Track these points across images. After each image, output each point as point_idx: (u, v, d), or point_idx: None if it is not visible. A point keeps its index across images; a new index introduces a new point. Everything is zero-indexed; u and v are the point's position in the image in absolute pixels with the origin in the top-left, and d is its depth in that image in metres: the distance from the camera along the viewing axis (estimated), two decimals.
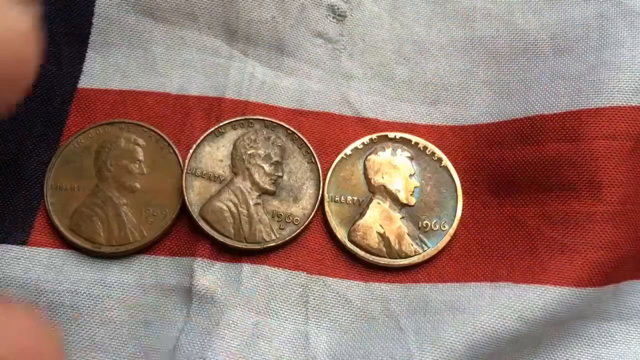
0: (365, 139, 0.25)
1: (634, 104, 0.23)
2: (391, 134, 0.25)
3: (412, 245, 0.24)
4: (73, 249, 0.23)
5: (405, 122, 0.26)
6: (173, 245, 0.24)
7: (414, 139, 0.25)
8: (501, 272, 0.23)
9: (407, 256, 0.24)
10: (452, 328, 0.22)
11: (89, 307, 0.23)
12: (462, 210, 0.25)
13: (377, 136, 0.25)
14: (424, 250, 0.24)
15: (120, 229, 0.23)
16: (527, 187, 0.24)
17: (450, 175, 0.25)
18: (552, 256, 0.23)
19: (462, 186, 0.25)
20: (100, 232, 0.23)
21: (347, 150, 0.25)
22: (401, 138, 0.25)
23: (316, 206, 0.24)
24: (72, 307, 0.23)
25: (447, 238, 0.24)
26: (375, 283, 0.24)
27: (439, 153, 0.25)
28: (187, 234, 0.24)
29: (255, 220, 0.24)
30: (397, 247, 0.24)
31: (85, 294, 0.23)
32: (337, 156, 0.25)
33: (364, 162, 0.25)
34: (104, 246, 0.23)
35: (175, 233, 0.24)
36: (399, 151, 0.25)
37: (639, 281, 0.24)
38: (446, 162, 0.25)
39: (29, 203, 0.24)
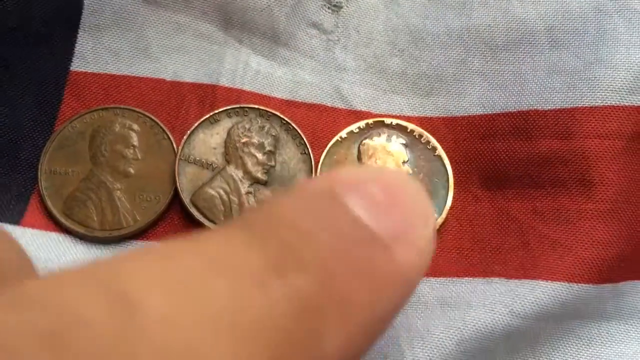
0: (362, 124, 0.25)
1: (627, 104, 0.23)
2: (387, 120, 0.25)
3: None
4: (66, 232, 0.23)
5: (398, 114, 0.26)
6: (166, 231, 0.24)
7: (410, 126, 0.25)
8: (494, 266, 0.23)
9: None
10: (442, 323, 0.22)
11: None
12: (453, 200, 0.25)
13: (373, 121, 0.25)
14: None
15: (114, 214, 0.24)
16: (519, 182, 0.24)
17: (444, 165, 0.25)
18: (544, 252, 0.23)
19: (454, 178, 0.25)
20: (93, 217, 0.23)
21: (343, 134, 0.25)
22: (397, 125, 0.25)
23: None
24: None
25: (435, 226, 0.24)
26: None
27: (433, 142, 0.25)
28: (179, 220, 0.24)
29: (246, 209, 0.24)
30: None
31: None
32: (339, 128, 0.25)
33: (359, 147, 0.25)
34: (97, 230, 0.23)
35: (169, 219, 0.24)
36: (394, 137, 0.25)
37: (638, 282, 0.24)
38: (440, 151, 0.25)
39: (23, 186, 0.24)
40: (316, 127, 0.26)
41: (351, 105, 0.26)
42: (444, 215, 0.24)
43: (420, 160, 0.25)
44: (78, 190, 0.24)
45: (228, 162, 0.24)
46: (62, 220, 0.23)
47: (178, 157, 0.24)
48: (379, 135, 0.25)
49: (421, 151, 0.25)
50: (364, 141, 0.25)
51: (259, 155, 0.24)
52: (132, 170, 0.24)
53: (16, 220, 0.23)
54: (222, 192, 0.24)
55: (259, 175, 0.24)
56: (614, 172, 0.23)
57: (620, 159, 0.23)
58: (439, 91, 0.26)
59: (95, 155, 0.24)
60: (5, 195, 0.24)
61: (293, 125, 0.25)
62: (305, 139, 0.25)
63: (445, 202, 0.24)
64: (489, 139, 0.25)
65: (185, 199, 0.24)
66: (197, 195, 0.24)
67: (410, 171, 0.25)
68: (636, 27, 0.24)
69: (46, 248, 0.23)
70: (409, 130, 0.25)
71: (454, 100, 0.26)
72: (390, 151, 0.25)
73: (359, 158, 0.25)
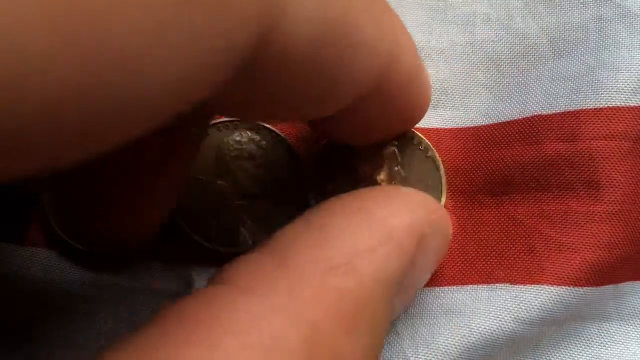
0: None
1: (632, 104, 0.23)
2: None
3: None
4: (68, 249, 0.24)
5: None
6: (168, 250, 0.24)
7: None
8: (498, 273, 0.23)
9: None
10: (447, 331, 0.22)
11: (81, 309, 0.23)
12: (459, 208, 0.24)
13: None
14: None
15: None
16: (525, 186, 0.24)
17: (436, 167, 0.24)
18: (550, 255, 0.23)
19: (460, 187, 0.25)
20: (95, 233, 0.24)
21: None
22: None
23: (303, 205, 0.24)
24: (64, 309, 0.23)
25: None
26: None
27: (425, 143, 0.25)
28: (181, 237, 0.24)
29: (237, 223, 0.24)
30: None
31: (78, 296, 0.23)
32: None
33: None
34: (98, 247, 0.24)
35: (171, 236, 0.24)
36: None
37: (638, 282, 0.24)
38: (433, 153, 0.25)
39: (26, 202, 0.24)
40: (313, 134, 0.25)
41: None
42: None
43: (412, 162, 0.25)
44: (81, 207, 0.24)
45: (219, 176, 0.24)
46: (64, 236, 0.24)
47: None
48: None
49: (412, 152, 0.25)
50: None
51: (250, 169, 0.24)
52: None
53: (20, 239, 0.24)
54: (213, 207, 0.24)
55: (251, 189, 0.24)
56: (621, 173, 0.23)
57: (627, 159, 0.23)
58: (444, 104, 0.26)
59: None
60: (9, 214, 0.24)
61: (283, 136, 0.25)
62: (297, 152, 0.25)
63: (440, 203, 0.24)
64: (495, 146, 0.25)
65: (177, 215, 0.24)
66: (187, 211, 0.24)
67: (402, 173, 0.24)
68: (637, 30, 0.24)
69: (50, 269, 0.24)
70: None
71: (459, 113, 0.26)
72: (382, 154, 0.24)
73: None
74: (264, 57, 0.12)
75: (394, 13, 0.19)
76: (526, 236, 0.23)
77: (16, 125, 0.09)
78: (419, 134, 0.25)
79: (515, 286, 0.22)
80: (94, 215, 0.20)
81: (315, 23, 0.13)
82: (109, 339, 0.23)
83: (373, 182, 0.24)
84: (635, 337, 0.23)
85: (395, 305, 0.17)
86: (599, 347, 0.23)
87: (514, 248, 0.23)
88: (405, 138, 0.25)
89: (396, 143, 0.25)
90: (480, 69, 0.26)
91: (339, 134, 0.22)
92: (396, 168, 0.24)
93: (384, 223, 0.16)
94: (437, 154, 0.25)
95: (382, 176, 0.24)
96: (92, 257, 0.24)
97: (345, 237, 0.15)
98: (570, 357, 0.23)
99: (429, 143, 0.25)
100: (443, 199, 0.24)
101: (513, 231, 0.24)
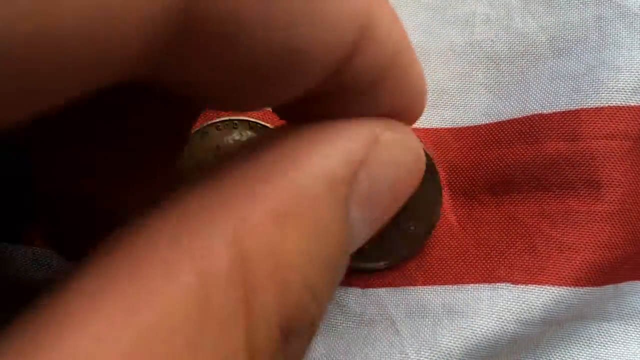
0: None
1: (632, 104, 0.23)
2: None
3: (388, 247, 0.24)
4: (72, 251, 0.24)
5: None
6: None
7: None
8: (500, 272, 0.23)
9: (379, 260, 0.24)
10: (450, 332, 0.22)
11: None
12: (459, 207, 0.25)
13: None
14: (400, 254, 0.24)
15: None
16: (526, 186, 0.24)
17: (435, 180, 0.25)
18: (551, 255, 0.23)
19: (460, 186, 0.25)
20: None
21: None
22: None
23: None
24: None
25: (424, 243, 0.24)
26: (373, 289, 0.24)
27: (429, 162, 0.25)
28: None
29: None
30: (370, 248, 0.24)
31: None
32: None
33: None
34: None
35: None
36: None
37: (638, 282, 0.24)
38: (430, 160, 0.25)
39: (25, 202, 0.24)
40: None
41: None
42: (432, 231, 0.24)
43: None
44: None
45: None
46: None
47: None
48: None
49: None
50: None
51: None
52: None
53: (19, 239, 0.24)
54: None
55: None
56: (622, 173, 0.23)
57: (627, 159, 0.23)
58: (444, 104, 0.26)
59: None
60: (8, 214, 0.24)
61: None
62: None
63: (436, 218, 0.24)
64: (495, 145, 0.25)
65: None
66: None
67: None
68: (637, 29, 0.24)
69: (48, 268, 0.24)
70: None
71: (459, 112, 0.26)
72: None
73: None
74: (196, 21, 0.11)
75: None
76: (527, 236, 0.23)
77: None
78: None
79: (517, 286, 0.22)
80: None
81: None
82: None
83: None
84: (636, 337, 0.23)
85: (354, 217, 0.15)
86: (599, 347, 0.23)
87: (514, 247, 0.23)
88: None
89: None
90: (479, 69, 0.26)
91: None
92: None
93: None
94: (439, 174, 0.25)
95: None
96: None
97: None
98: (571, 357, 0.23)
99: (426, 151, 0.25)
100: (439, 213, 0.24)
101: (514, 230, 0.24)
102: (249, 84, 0.13)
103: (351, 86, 0.15)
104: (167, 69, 0.12)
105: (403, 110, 0.17)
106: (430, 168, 0.24)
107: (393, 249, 0.24)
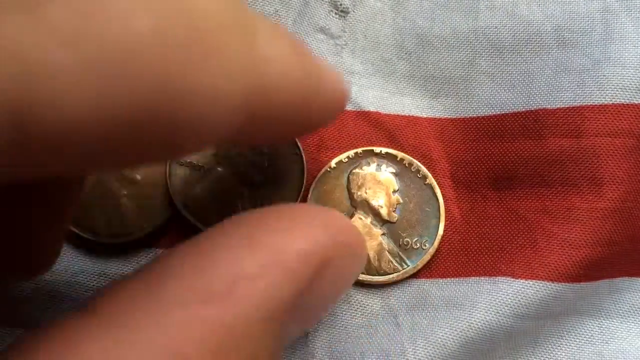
0: (351, 153, 0.25)
1: (636, 102, 0.23)
2: (377, 149, 0.25)
3: (392, 262, 0.24)
4: (73, 240, 0.24)
5: (407, 114, 0.26)
6: (172, 237, 0.24)
7: (400, 154, 0.25)
8: (500, 266, 0.23)
9: (385, 273, 0.24)
10: (446, 324, 0.22)
11: (87, 299, 0.23)
12: (461, 201, 0.25)
13: (363, 150, 0.25)
14: (403, 269, 0.24)
15: (120, 221, 0.24)
16: (528, 182, 0.24)
17: (434, 194, 0.25)
18: (552, 251, 0.23)
19: (463, 179, 0.25)
20: (100, 223, 0.24)
21: (332, 163, 0.25)
22: (387, 153, 0.25)
23: (299, 199, 0.24)
24: (70, 298, 0.23)
25: (427, 257, 0.24)
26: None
27: (424, 171, 0.25)
28: (185, 224, 0.24)
29: (238, 209, 0.24)
30: (376, 263, 0.24)
31: (84, 285, 0.24)
32: (336, 151, 0.25)
33: (348, 176, 0.25)
34: (104, 237, 0.24)
35: (175, 224, 0.24)
36: (383, 167, 0.25)
37: (637, 278, 0.24)
38: (430, 179, 0.25)
39: None
40: (323, 130, 0.25)
41: (360, 107, 0.26)
42: (435, 244, 0.24)
43: (410, 189, 0.25)
44: (85, 197, 0.24)
45: (219, 162, 0.24)
46: (71, 227, 0.23)
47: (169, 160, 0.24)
48: (369, 164, 0.25)
49: (411, 180, 0.25)
50: (353, 170, 0.25)
51: (250, 156, 0.24)
52: (138, 177, 0.24)
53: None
54: (214, 193, 0.24)
55: (251, 175, 0.24)
56: (624, 171, 0.23)
57: (630, 157, 0.23)
58: (447, 93, 0.26)
59: None
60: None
61: None
62: (297, 140, 0.25)
63: (437, 231, 0.24)
64: (498, 139, 0.25)
65: (178, 202, 0.24)
66: (188, 198, 0.24)
67: (401, 200, 0.25)
68: None
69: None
70: (398, 159, 0.25)
71: (462, 102, 0.26)
72: (380, 180, 0.25)
73: (349, 188, 0.25)
74: (35, 142, 0.10)
75: (253, 31, 0.13)
76: (528, 231, 0.23)
77: None
78: (418, 162, 0.25)
79: (517, 280, 0.23)
80: None
81: (95, 102, 0.10)
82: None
83: (371, 208, 0.24)
84: (637, 333, 0.24)
85: (292, 330, 0.16)
86: (602, 343, 0.23)
87: (516, 242, 0.24)
88: (403, 165, 0.25)
89: (394, 170, 0.25)
90: (483, 57, 0.26)
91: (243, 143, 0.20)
92: (395, 195, 0.25)
93: (270, 248, 0.15)
94: (435, 182, 0.25)
95: (379, 202, 0.24)
96: (98, 247, 0.24)
97: (225, 264, 0.14)
98: (572, 354, 0.23)
99: (427, 171, 0.25)
100: (441, 226, 0.24)
101: (515, 226, 0.24)
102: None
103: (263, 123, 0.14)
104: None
105: (324, 118, 0.17)
106: (435, 195, 0.25)
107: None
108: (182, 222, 0.24)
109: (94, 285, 0.24)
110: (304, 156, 0.25)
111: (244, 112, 0.13)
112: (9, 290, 0.23)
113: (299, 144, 0.25)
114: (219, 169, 0.24)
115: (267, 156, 0.25)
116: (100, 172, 0.20)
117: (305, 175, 0.25)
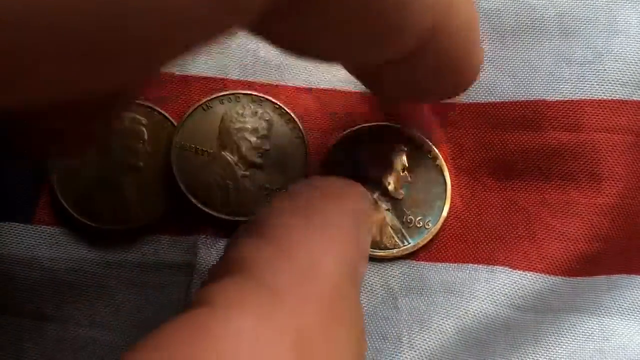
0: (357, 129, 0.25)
1: (636, 99, 0.23)
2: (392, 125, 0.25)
3: (394, 237, 0.24)
4: (77, 227, 0.24)
5: None
6: (175, 223, 0.24)
7: (411, 132, 0.25)
8: (499, 255, 0.23)
9: (386, 248, 0.24)
10: (443, 310, 0.23)
11: (90, 285, 0.23)
12: (463, 188, 0.25)
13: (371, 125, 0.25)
14: (404, 245, 0.24)
15: (124, 207, 0.24)
16: (528, 174, 0.24)
17: (443, 175, 0.25)
18: (551, 244, 0.23)
19: (464, 166, 0.25)
20: (103, 210, 0.24)
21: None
22: (399, 130, 0.25)
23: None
24: (73, 285, 0.23)
25: (428, 236, 0.24)
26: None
27: (434, 152, 0.25)
28: (189, 210, 0.24)
29: (242, 193, 0.24)
30: (377, 237, 0.24)
31: (87, 272, 0.24)
32: (341, 132, 0.25)
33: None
34: (108, 224, 0.24)
35: (178, 210, 0.24)
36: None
37: (636, 276, 0.24)
38: (440, 161, 0.25)
39: (33, 180, 0.24)
40: (325, 110, 0.25)
41: (364, 88, 0.26)
42: (438, 225, 0.24)
43: (419, 168, 0.25)
44: (88, 185, 0.24)
45: (223, 147, 0.24)
46: (73, 214, 0.24)
47: (172, 145, 0.24)
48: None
49: (421, 159, 0.25)
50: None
51: (253, 140, 0.24)
52: (141, 164, 0.24)
53: (28, 218, 0.24)
54: (218, 177, 0.24)
55: (254, 159, 0.24)
56: (623, 167, 0.23)
57: (629, 153, 0.23)
58: None
59: (105, 149, 0.24)
60: (17, 193, 0.24)
61: (286, 109, 0.25)
62: (299, 123, 0.25)
63: (441, 212, 0.24)
64: (498, 128, 0.25)
65: (183, 187, 0.24)
66: (193, 183, 0.24)
67: (409, 178, 0.25)
68: None
69: (58, 247, 0.24)
70: (409, 137, 0.25)
71: None
72: (389, 157, 0.25)
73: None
74: None
75: None
76: (527, 222, 0.24)
77: None
78: (429, 142, 0.25)
79: (515, 271, 0.23)
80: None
81: None
82: (117, 314, 0.23)
83: (381, 185, 0.24)
84: (637, 330, 0.24)
85: (360, 272, 0.18)
86: (602, 340, 0.23)
87: (515, 233, 0.24)
88: (415, 144, 0.25)
89: (405, 148, 0.25)
90: (484, 40, 0.25)
91: (390, 90, 0.21)
92: (403, 173, 0.25)
93: (331, 218, 0.17)
94: (444, 163, 0.25)
95: (389, 179, 0.24)
96: (101, 234, 0.24)
97: (305, 245, 0.16)
98: (574, 351, 0.23)
99: (437, 152, 0.25)
100: (446, 208, 0.24)
101: (515, 216, 0.24)
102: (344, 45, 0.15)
103: (429, 56, 0.17)
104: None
105: (464, 81, 0.20)
106: (443, 176, 0.25)
107: None
108: (187, 207, 0.24)
109: (96, 272, 0.24)
110: (306, 140, 0.25)
111: (436, 13, 0.16)
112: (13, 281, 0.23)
113: (301, 127, 0.25)
114: (223, 153, 0.24)
115: (270, 140, 0.25)
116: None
117: (307, 158, 0.25)
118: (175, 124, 0.25)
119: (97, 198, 0.24)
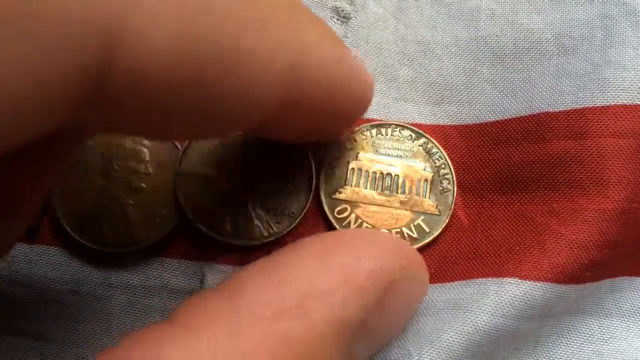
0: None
1: (638, 103, 0.23)
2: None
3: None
4: (79, 248, 0.24)
5: (410, 121, 0.26)
6: (180, 246, 0.24)
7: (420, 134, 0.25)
8: (508, 267, 0.23)
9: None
10: (452, 328, 0.22)
11: (92, 307, 0.23)
12: (468, 206, 0.25)
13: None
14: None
15: (127, 229, 0.24)
16: (534, 185, 0.24)
17: (451, 170, 0.25)
18: (560, 252, 0.23)
19: (469, 185, 0.25)
20: (107, 233, 0.24)
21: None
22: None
23: (310, 199, 0.24)
24: (75, 307, 0.23)
25: (429, 240, 0.24)
26: None
27: (445, 156, 0.25)
28: (193, 234, 0.24)
29: (251, 217, 0.24)
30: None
31: (89, 295, 0.23)
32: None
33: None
34: (110, 247, 0.23)
35: (182, 234, 0.24)
36: None
37: (637, 278, 0.24)
38: (448, 164, 0.25)
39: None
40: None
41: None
42: (440, 229, 0.24)
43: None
44: (91, 206, 0.24)
45: (226, 170, 0.24)
46: (75, 236, 0.23)
47: (176, 172, 0.24)
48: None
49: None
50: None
51: (255, 160, 0.24)
52: (144, 185, 0.24)
53: (32, 238, 0.24)
54: (224, 200, 0.24)
55: (259, 180, 0.24)
56: (630, 171, 0.23)
57: (635, 157, 0.23)
58: (449, 99, 0.26)
59: (107, 170, 0.24)
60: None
61: None
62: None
63: (447, 216, 0.25)
64: (502, 144, 0.25)
65: (188, 212, 0.24)
66: (198, 207, 0.24)
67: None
68: None
69: (60, 269, 0.24)
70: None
71: (464, 108, 0.26)
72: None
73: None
74: (116, 77, 0.12)
75: (301, 19, 0.16)
76: (536, 232, 0.23)
77: None
78: (438, 145, 0.25)
79: (525, 282, 0.22)
80: None
81: (172, 41, 0.12)
82: (117, 336, 0.23)
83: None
84: (636, 333, 0.24)
85: (357, 351, 0.17)
86: (601, 342, 0.23)
87: (524, 243, 0.23)
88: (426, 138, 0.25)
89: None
90: (484, 64, 0.26)
91: (274, 135, 0.21)
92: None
93: (343, 267, 0.16)
94: (452, 166, 0.25)
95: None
96: (104, 255, 0.24)
97: (300, 280, 0.15)
98: (572, 353, 0.23)
99: (446, 155, 0.25)
100: (451, 211, 0.25)
101: (523, 228, 0.24)
102: (178, 129, 0.15)
103: (296, 112, 0.16)
104: (96, 115, 0.13)
105: (349, 116, 0.20)
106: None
107: None
108: (191, 229, 0.24)
109: (100, 294, 0.23)
110: (312, 160, 0.25)
111: (284, 85, 0.15)
112: (14, 301, 0.23)
113: (304, 146, 0.25)
114: (226, 176, 0.24)
115: (273, 160, 0.25)
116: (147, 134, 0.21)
117: (314, 181, 0.25)
118: (177, 143, 0.25)
119: (101, 220, 0.24)
